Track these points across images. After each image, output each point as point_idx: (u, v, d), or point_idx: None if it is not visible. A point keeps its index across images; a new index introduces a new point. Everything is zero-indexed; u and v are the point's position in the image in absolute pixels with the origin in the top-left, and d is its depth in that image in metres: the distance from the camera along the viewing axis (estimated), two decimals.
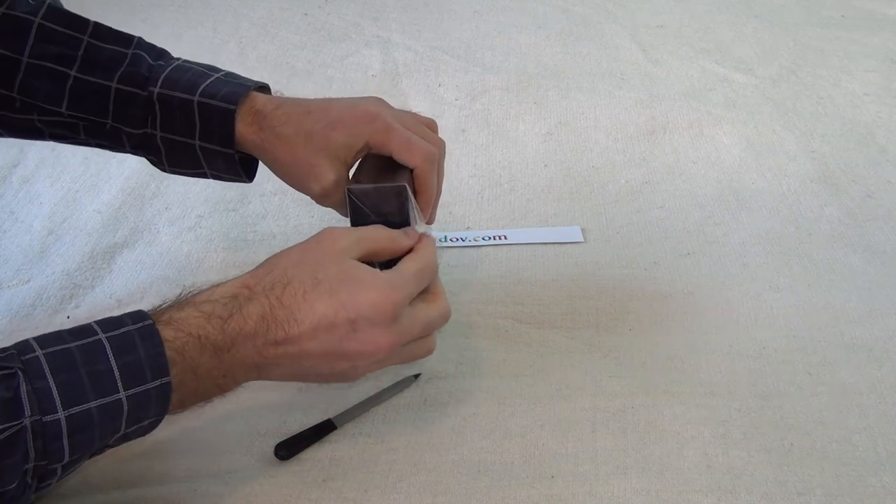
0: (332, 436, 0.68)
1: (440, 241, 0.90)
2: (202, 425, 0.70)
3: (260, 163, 0.73)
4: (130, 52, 0.70)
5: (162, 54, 0.72)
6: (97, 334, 0.52)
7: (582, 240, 0.91)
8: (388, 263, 0.62)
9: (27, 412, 0.48)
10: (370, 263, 0.61)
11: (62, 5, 0.72)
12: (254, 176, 0.74)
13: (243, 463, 0.66)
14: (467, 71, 1.25)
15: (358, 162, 0.71)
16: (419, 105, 1.16)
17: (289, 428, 0.69)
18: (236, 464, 0.66)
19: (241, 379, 0.58)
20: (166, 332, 0.53)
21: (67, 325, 0.57)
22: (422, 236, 0.65)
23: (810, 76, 1.21)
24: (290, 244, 0.62)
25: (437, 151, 0.69)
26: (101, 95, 0.69)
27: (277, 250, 0.61)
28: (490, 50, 1.31)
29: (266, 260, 0.61)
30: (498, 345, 0.77)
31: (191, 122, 0.68)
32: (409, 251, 0.63)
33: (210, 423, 0.70)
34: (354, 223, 0.66)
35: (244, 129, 0.68)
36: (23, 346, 0.51)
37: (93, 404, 0.50)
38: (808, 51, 1.27)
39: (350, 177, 0.70)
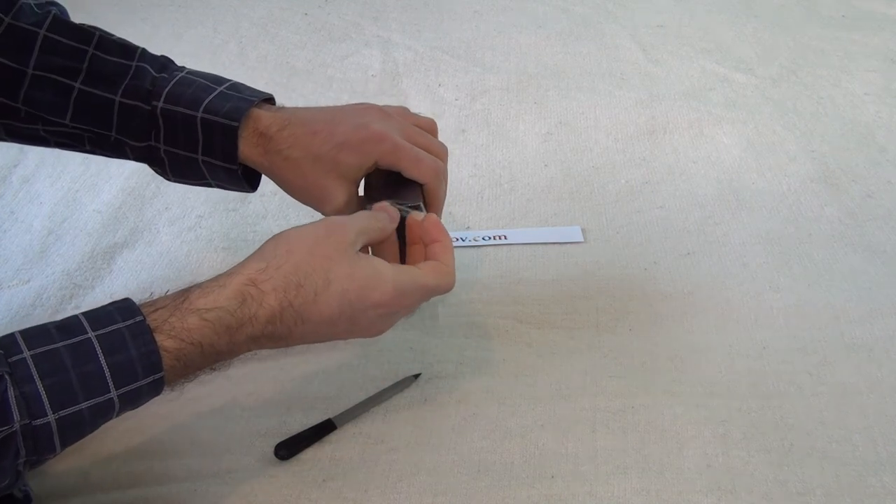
0: (332, 436, 0.68)
1: None
2: (202, 425, 0.70)
3: None
4: (134, 64, 0.70)
5: (165, 65, 0.71)
6: (86, 332, 0.52)
7: (582, 240, 0.91)
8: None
9: (16, 417, 0.48)
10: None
11: (67, 14, 0.72)
12: (257, 187, 0.74)
13: (243, 463, 0.66)
14: (467, 71, 1.25)
15: (365, 176, 0.71)
16: (419, 105, 1.16)
17: (289, 428, 0.69)
18: (236, 464, 0.66)
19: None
20: (167, 343, 0.53)
21: None
22: (445, 256, 0.64)
23: (810, 76, 1.20)
24: None
25: (444, 165, 0.70)
26: (105, 108, 0.69)
27: None
28: (490, 50, 1.31)
29: (274, 240, 0.60)
30: (498, 345, 0.77)
31: (194, 139, 0.68)
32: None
33: (210, 423, 0.70)
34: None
35: (249, 150, 0.68)
36: (9, 343, 0.50)
37: (84, 405, 0.50)
38: (808, 51, 1.27)
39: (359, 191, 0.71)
